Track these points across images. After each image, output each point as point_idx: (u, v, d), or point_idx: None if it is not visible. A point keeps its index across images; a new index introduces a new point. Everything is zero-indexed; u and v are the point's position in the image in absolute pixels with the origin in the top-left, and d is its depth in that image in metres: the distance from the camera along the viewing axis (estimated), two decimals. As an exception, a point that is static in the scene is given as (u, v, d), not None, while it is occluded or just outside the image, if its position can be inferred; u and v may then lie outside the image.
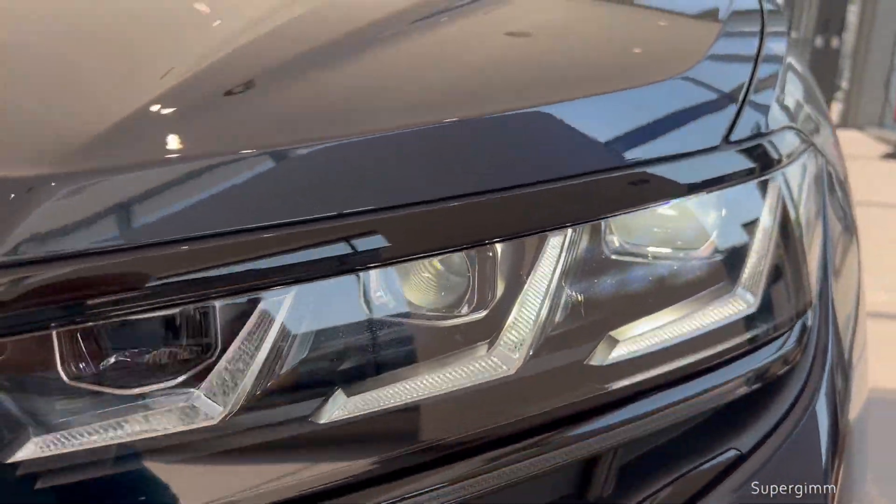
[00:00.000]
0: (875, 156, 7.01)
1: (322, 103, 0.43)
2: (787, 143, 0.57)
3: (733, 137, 0.51)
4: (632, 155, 0.46)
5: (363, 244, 0.38)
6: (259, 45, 0.51)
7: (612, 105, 0.47)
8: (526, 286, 0.43)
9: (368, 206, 0.38)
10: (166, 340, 0.37)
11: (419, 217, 0.39)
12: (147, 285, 0.34)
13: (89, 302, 0.33)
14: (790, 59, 0.80)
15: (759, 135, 0.53)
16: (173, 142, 0.39)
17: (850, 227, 0.75)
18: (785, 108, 0.60)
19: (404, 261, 0.39)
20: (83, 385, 0.36)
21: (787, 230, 0.55)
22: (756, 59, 0.59)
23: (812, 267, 0.57)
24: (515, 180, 0.42)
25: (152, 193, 0.36)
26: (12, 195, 0.35)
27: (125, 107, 0.41)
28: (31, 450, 0.34)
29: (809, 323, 0.55)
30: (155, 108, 0.42)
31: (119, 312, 0.34)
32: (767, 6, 1.03)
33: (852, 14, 8.82)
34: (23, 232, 0.34)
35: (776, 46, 0.68)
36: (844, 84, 9.13)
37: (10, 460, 0.34)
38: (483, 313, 0.43)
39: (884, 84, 8.18)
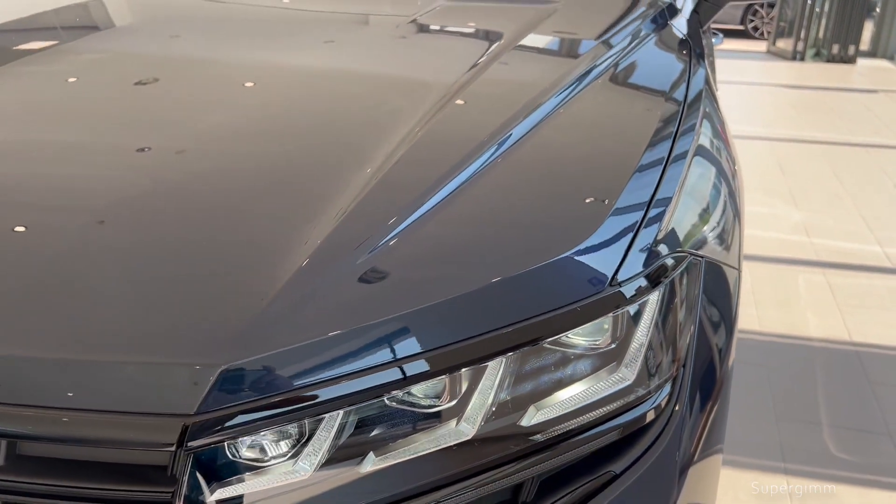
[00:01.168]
0: (899, 89, 7.00)
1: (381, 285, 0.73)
2: (665, 267, 0.84)
3: (619, 279, 0.78)
4: (538, 305, 0.73)
5: (395, 377, 0.68)
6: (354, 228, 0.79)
7: (531, 277, 0.75)
8: (480, 384, 0.72)
9: (397, 358, 0.68)
10: (281, 435, 0.67)
11: (423, 359, 0.69)
12: (275, 418, 0.64)
13: (245, 428, 0.64)
14: (695, 162, 1.06)
15: (639, 272, 0.80)
16: (296, 330, 0.67)
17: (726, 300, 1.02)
18: (663, 238, 0.86)
19: (415, 383, 0.69)
20: (241, 459, 0.66)
21: (664, 320, 0.83)
22: (645, 213, 0.86)
23: (681, 344, 0.85)
24: (473, 332, 0.70)
25: (283, 370, 0.65)
26: (197, 375, 0.64)
27: (267, 290, 0.69)
28: (214, 495, 0.65)
29: (676, 385, 0.83)
30: (287, 296, 0.69)
31: (258, 429, 0.64)
32: (693, 89, 1.29)
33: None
34: (210, 393, 0.63)
35: (671, 183, 0.94)
36: (878, 9, 8.95)
37: (207, 501, 0.65)
38: (454, 402, 0.71)
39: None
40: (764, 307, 2.76)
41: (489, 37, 1.43)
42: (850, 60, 8.36)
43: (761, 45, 9.60)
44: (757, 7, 10.90)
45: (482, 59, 1.28)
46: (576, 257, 0.79)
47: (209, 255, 0.78)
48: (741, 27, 10.73)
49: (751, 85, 7.17)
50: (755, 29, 10.77)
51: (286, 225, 0.81)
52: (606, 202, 0.89)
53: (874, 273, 3.11)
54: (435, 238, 0.80)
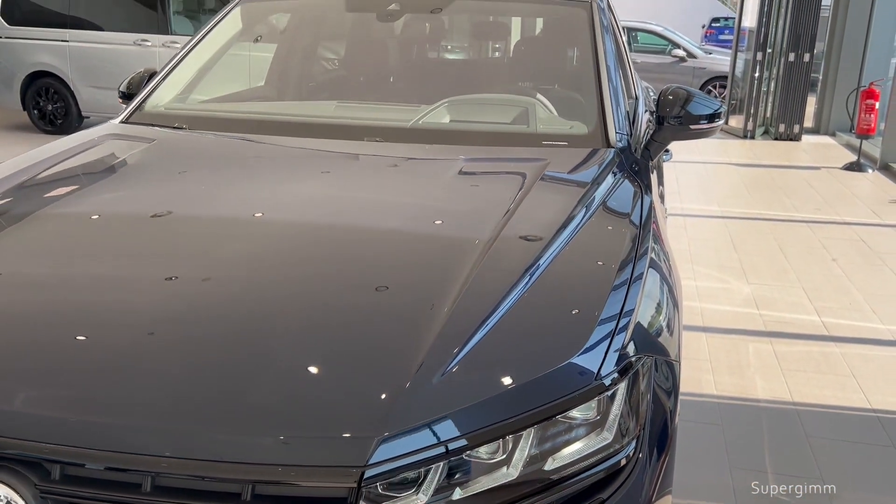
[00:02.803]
0: (839, 164, 7.67)
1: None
2: (630, 363, 1.30)
3: (601, 374, 1.25)
4: (553, 395, 1.19)
5: (471, 442, 1.12)
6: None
7: (548, 377, 1.21)
8: (520, 444, 1.17)
9: (472, 430, 1.13)
10: (410, 478, 1.12)
11: (486, 430, 1.15)
12: (407, 467, 1.10)
13: (393, 473, 1.10)
14: (649, 274, 1.56)
15: (613, 369, 1.27)
16: (416, 416, 1.12)
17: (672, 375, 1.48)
18: (629, 341, 1.32)
19: (481, 444, 1.15)
20: (387, 492, 1.10)
21: (630, 399, 1.30)
22: (616, 324, 1.33)
23: (641, 414, 1.32)
24: (514, 413, 1.16)
25: (411, 438, 1.10)
26: (367, 441, 1.09)
27: (402, 375, 1.16)
28: None
29: (639, 441, 1.29)
30: (408, 396, 1.14)
31: (398, 473, 1.10)
32: (645, 214, 1.80)
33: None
34: (373, 452, 1.07)
35: (633, 297, 1.43)
36: (818, 91, 9.78)
37: None
38: (504, 456, 1.16)
39: (845, 100, 8.84)
40: (719, 373, 3.24)
41: (508, 190, 1.87)
42: (795, 138, 9.12)
43: (715, 123, 10.33)
44: (710, 88, 11.76)
45: (510, 207, 1.72)
46: (574, 361, 1.26)
47: (353, 365, 1.23)
48: (697, 105, 11.52)
49: (707, 164, 7.83)
50: (709, 106, 11.57)
51: (397, 348, 1.26)
52: (595, 314, 1.37)
53: (812, 341, 3.61)
54: (490, 354, 1.26)
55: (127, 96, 2.69)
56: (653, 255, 1.66)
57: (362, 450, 1.08)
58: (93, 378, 1.20)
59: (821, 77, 9.71)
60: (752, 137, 9.29)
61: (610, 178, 1.98)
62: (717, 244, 5.06)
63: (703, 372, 3.24)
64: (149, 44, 8.20)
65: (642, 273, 1.55)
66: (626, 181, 2.02)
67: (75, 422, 1.12)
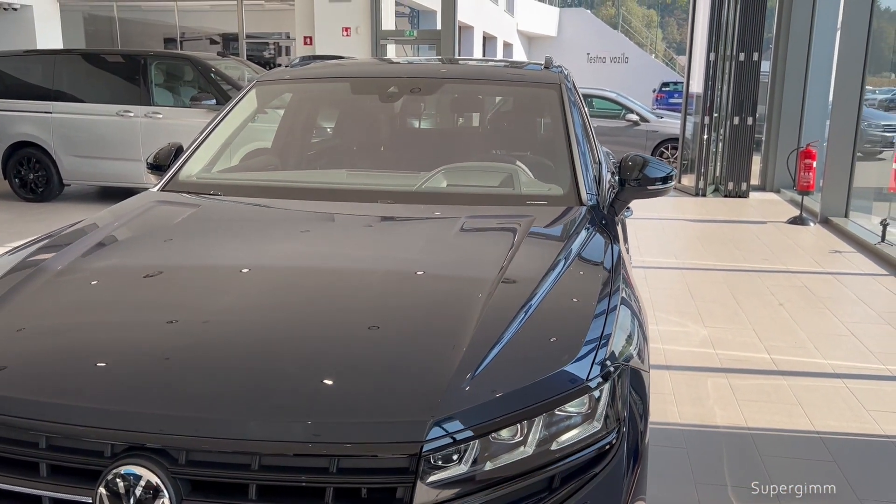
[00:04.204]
0: (783, 219, 8.26)
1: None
2: (610, 371, 1.68)
3: (589, 377, 1.62)
4: (552, 392, 1.54)
5: (496, 426, 1.47)
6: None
7: (551, 378, 1.58)
8: (532, 428, 1.51)
9: (497, 416, 1.48)
10: (454, 451, 1.47)
11: (507, 417, 1.50)
12: (453, 444, 1.45)
13: (442, 447, 1.45)
14: (621, 308, 1.95)
15: (598, 374, 1.64)
16: (456, 405, 1.45)
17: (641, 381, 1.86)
18: (608, 356, 1.69)
19: (503, 428, 1.51)
20: (439, 462, 1.43)
21: (612, 398, 1.67)
22: (598, 344, 1.71)
23: (621, 410, 1.68)
24: (527, 404, 1.51)
25: (454, 422, 1.45)
26: (424, 423, 1.43)
27: (448, 370, 1.53)
28: (429, 479, 1.42)
29: (619, 430, 1.66)
30: (450, 392, 1.48)
31: (446, 448, 1.45)
32: (614, 261, 2.21)
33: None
34: (429, 430, 1.42)
35: (610, 324, 1.81)
36: (762, 152, 10.49)
37: (426, 481, 1.42)
38: (521, 437, 1.50)
39: (786, 160, 9.53)
40: (682, 405, 3.62)
41: (504, 243, 2.25)
42: (743, 195, 9.75)
43: (669, 182, 10.95)
44: (663, 150, 12.48)
45: (504, 263, 2.07)
46: (566, 369, 1.63)
47: (405, 378, 1.57)
48: (651, 165, 12.20)
49: (663, 220, 8.36)
50: (663, 167, 12.26)
51: (434, 368, 1.59)
52: (580, 339, 1.74)
53: (762, 374, 4.02)
54: (503, 366, 1.61)
55: (155, 167, 3.04)
56: (623, 294, 2.06)
57: (420, 429, 1.43)
58: (203, 384, 1.55)
59: (764, 138, 10.42)
60: (704, 195, 9.90)
61: (584, 232, 2.39)
62: (676, 292, 5.50)
63: (668, 404, 3.62)
64: (131, 115, 8.56)
65: (615, 306, 1.94)
66: (598, 233, 2.43)
67: (194, 418, 1.45)
